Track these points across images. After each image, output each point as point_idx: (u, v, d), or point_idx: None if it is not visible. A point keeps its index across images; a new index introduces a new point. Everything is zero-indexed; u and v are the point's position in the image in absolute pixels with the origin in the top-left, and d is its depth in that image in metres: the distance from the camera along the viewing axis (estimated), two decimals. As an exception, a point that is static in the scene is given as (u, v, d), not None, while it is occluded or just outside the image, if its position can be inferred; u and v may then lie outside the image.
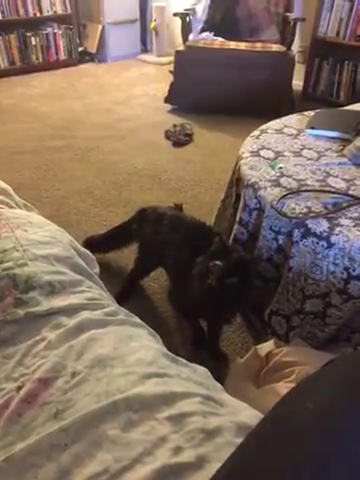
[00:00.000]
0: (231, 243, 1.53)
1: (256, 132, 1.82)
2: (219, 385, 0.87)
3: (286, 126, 1.87)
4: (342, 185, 1.42)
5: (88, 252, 1.27)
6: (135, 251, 1.68)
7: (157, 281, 1.77)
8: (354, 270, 1.22)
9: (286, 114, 2.03)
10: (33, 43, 4.34)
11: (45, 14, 4.35)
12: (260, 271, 1.43)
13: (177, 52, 3.37)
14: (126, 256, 1.82)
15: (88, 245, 1.66)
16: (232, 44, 3.33)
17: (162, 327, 1.53)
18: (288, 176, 1.47)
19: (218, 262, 1.18)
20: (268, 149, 1.65)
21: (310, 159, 1.59)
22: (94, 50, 4.78)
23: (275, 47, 3.31)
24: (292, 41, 3.30)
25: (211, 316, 1.42)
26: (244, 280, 1.22)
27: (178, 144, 2.97)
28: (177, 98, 3.49)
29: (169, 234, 1.45)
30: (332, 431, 0.48)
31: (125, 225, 1.73)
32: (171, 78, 3.50)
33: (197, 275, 1.25)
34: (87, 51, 4.83)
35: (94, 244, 1.75)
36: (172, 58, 3.51)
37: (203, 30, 3.57)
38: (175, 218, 1.51)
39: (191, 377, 0.81)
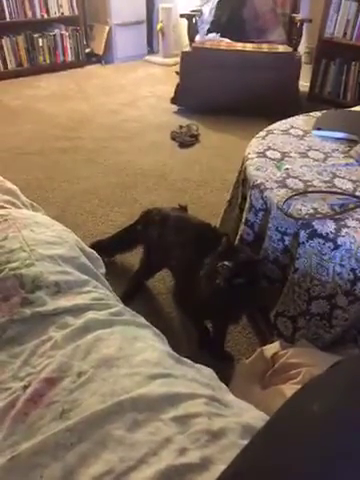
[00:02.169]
0: (238, 244, 1.53)
1: (262, 133, 1.82)
2: (224, 386, 0.87)
3: (292, 127, 1.87)
4: (349, 186, 1.41)
5: (94, 252, 1.28)
6: (141, 252, 1.68)
7: (163, 281, 1.78)
8: (361, 272, 1.21)
9: (292, 115, 2.02)
10: (40, 44, 4.36)
11: (52, 16, 4.37)
12: (266, 272, 1.43)
13: (183, 53, 3.37)
14: (132, 256, 1.83)
15: (95, 249, 1.67)
16: (238, 45, 3.33)
17: (167, 327, 1.53)
18: (294, 177, 1.46)
19: (227, 262, 1.18)
20: (274, 150, 1.65)
21: (317, 160, 1.58)
22: (101, 51, 4.79)
23: (282, 48, 3.30)
24: (299, 42, 3.29)
25: (218, 317, 1.41)
26: (252, 280, 1.21)
27: (184, 145, 2.97)
28: (183, 99, 3.50)
29: (174, 235, 1.45)
30: (337, 433, 0.47)
31: (130, 228, 1.73)
32: (177, 79, 3.50)
33: (205, 275, 1.24)
34: (94, 52, 4.84)
35: (101, 248, 1.75)
36: (178, 59, 3.51)
37: (209, 31, 3.58)
38: (180, 219, 1.51)
39: (196, 378, 0.81)
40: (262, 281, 1.37)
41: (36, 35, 4.31)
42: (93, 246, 1.75)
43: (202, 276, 1.26)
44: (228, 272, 1.17)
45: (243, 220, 1.53)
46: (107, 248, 1.79)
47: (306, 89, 3.78)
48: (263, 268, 1.39)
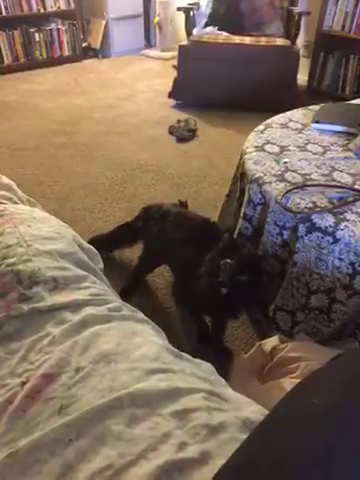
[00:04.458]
0: (238, 239, 1.52)
1: (261, 127, 1.81)
2: (223, 380, 0.87)
3: (291, 120, 1.86)
4: (348, 179, 1.41)
5: (92, 247, 1.27)
6: (140, 247, 1.67)
7: (161, 277, 1.77)
8: (360, 265, 1.21)
9: (291, 108, 2.01)
10: (37, 39, 4.33)
11: (49, 10, 4.34)
12: (267, 268, 1.42)
13: (181, 47, 3.35)
14: (130, 252, 1.82)
15: (93, 244, 1.66)
16: (236, 38, 3.31)
17: (166, 322, 1.53)
18: (293, 171, 1.45)
19: (229, 260, 1.17)
20: (273, 144, 1.64)
21: (315, 153, 1.57)
22: (98, 45, 4.76)
23: (280, 41, 3.28)
24: (297, 35, 3.27)
25: (219, 313, 1.41)
26: (254, 277, 1.21)
27: (182, 139, 2.96)
28: (181, 93, 3.48)
29: (174, 231, 1.45)
30: (337, 428, 0.47)
31: (130, 223, 1.73)
32: (175, 73, 3.49)
33: (207, 273, 1.24)
34: (91, 47, 4.81)
35: (100, 243, 1.75)
36: (176, 53, 3.49)
37: (207, 24, 3.55)
38: (180, 215, 1.50)
39: (195, 372, 0.81)
40: (263, 277, 1.37)
41: (32, 30, 4.28)
42: (92, 241, 1.75)
43: (203, 273, 1.25)
44: (231, 270, 1.16)
45: (241, 214, 1.53)
46: (106, 243, 1.79)
47: (304, 83, 3.77)
48: (264, 264, 1.39)
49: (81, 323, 0.86)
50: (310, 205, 1.29)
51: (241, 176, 1.63)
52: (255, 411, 0.74)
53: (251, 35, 3.38)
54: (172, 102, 3.54)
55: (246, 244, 1.31)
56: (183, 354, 0.87)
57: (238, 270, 1.17)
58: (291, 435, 0.49)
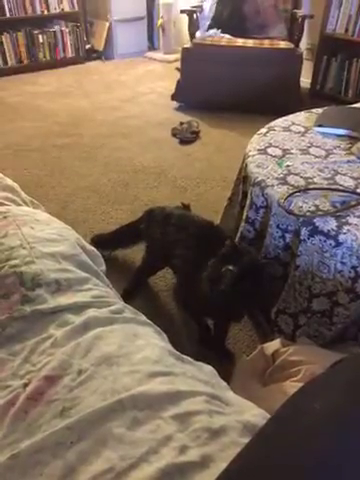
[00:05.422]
0: (241, 244, 1.52)
1: (263, 130, 1.81)
2: (225, 384, 0.87)
3: (294, 124, 1.86)
4: (350, 183, 1.41)
5: (94, 249, 1.27)
6: (142, 249, 1.68)
7: (163, 279, 1.77)
8: (362, 269, 1.21)
9: (294, 111, 2.01)
10: (40, 41, 4.35)
11: (52, 12, 4.35)
12: (275, 273, 1.41)
13: (184, 49, 3.35)
14: (133, 253, 1.82)
15: (96, 242, 1.67)
16: (239, 41, 3.31)
17: (168, 325, 1.53)
18: (295, 174, 1.45)
19: (231, 267, 1.17)
20: (275, 147, 1.64)
21: (318, 157, 1.57)
22: (101, 48, 4.78)
23: (283, 44, 3.28)
24: (300, 38, 3.27)
25: (220, 316, 1.41)
26: (256, 283, 1.20)
27: (185, 142, 2.96)
28: (184, 95, 3.49)
29: (177, 234, 1.45)
30: (339, 432, 0.47)
31: (133, 224, 1.73)
32: (178, 75, 3.49)
33: (208, 279, 1.23)
34: (94, 49, 4.83)
35: (102, 242, 1.76)
36: (179, 55, 3.50)
37: (210, 27, 3.56)
38: (183, 218, 1.50)
39: (197, 375, 0.81)
40: (266, 282, 1.36)
41: (36, 31, 4.29)
42: (94, 240, 1.77)
43: (205, 278, 1.25)
44: (232, 278, 1.16)
45: (244, 217, 1.53)
46: (108, 242, 1.80)
47: (307, 85, 3.77)
48: (270, 269, 1.37)
49: (83, 325, 0.87)
50: (313, 208, 1.29)
51: (244, 179, 1.63)
52: (256, 415, 0.74)
53: (254, 38, 3.39)
54: (175, 104, 3.55)
55: (250, 250, 1.30)
56: (184, 357, 0.88)
57: (240, 277, 1.16)
58: (292, 439, 0.49)
